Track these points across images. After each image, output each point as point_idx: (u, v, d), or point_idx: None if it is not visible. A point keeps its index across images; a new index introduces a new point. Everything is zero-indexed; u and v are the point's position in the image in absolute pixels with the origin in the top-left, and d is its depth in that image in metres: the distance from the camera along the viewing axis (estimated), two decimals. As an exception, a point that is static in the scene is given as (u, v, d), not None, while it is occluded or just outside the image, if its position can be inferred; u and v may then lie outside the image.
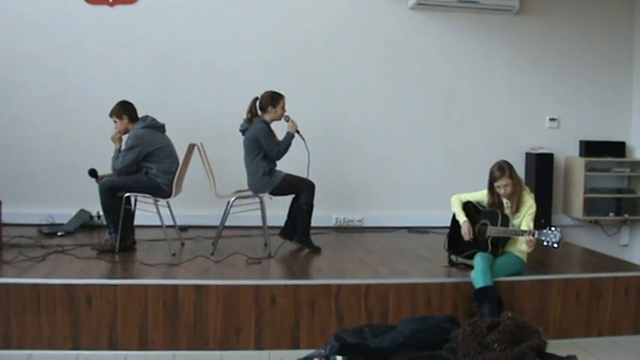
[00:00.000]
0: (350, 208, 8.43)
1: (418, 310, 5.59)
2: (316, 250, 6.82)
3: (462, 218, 6.08)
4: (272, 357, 5.34)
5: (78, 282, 5.33)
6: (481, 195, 6.09)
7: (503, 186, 5.82)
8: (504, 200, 5.94)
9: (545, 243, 5.60)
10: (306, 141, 6.76)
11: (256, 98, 6.83)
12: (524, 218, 5.83)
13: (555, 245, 5.54)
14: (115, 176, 6.54)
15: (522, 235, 5.71)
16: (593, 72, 8.91)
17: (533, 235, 5.63)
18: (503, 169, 5.83)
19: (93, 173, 6.65)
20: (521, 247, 5.80)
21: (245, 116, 6.85)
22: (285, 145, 6.72)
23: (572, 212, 8.75)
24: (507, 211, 5.91)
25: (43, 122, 7.93)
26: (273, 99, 6.77)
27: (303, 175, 6.75)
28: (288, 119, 6.81)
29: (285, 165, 6.84)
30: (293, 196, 6.88)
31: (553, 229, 5.59)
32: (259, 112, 6.82)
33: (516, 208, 5.87)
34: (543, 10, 8.77)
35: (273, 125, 6.85)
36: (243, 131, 6.85)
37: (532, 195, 5.95)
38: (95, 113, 7.31)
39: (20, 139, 7.89)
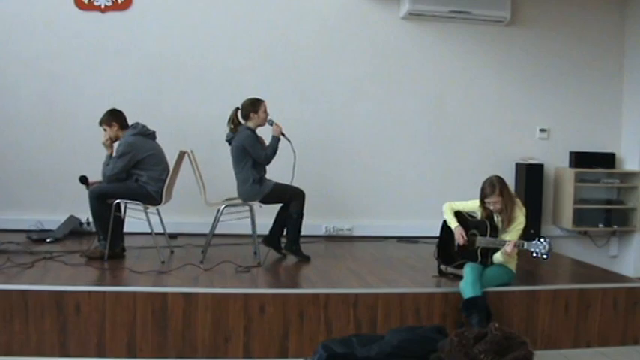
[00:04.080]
0: (339, 217, 8.44)
1: (407, 320, 5.58)
2: (305, 259, 6.82)
3: (453, 224, 6.08)
4: (260, 365, 5.36)
5: (67, 289, 5.31)
6: (473, 205, 6.09)
7: (492, 203, 5.83)
8: (495, 215, 5.94)
9: (534, 254, 5.63)
10: (292, 143, 6.77)
11: (237, 108, 6.85)
12: (510, 233, 5.83)
13: (544, 256, 5.57)
14: (105, 183, 6.54)
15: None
16: (583, 83, 8.96)
17: (522, 246, 5.65)
18: (494, 186, 5.82)
19: (83, 180, 6.63)
20: (498, 255, 5.81)
21: (227, 126, 6.86)
22: (272, 150, 6.72)
23: (561, 223, 8.77)
24: (498, 224, 5.92)
25: (34, 128, 7.92)
26: (253, 105, 6.77)
27: (289, 177, 6.74)
28: (272, 123, 6.82)
29: (274, 172, 6.84)
30: (281, 204, 6.90)
31: (542, 240, 5.62)
32: (242, 122, 6.83)
33: (507, 224, 5.87)
34: (534, 22, 8.81)
35: (259, 132, 6.85)
36: (229, 141, 6.85)
37: (523, 211, 5.93)
38: (86, 120, 7.29)
39: (10, 145, 7.89)
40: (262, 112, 6.79)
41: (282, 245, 6.96)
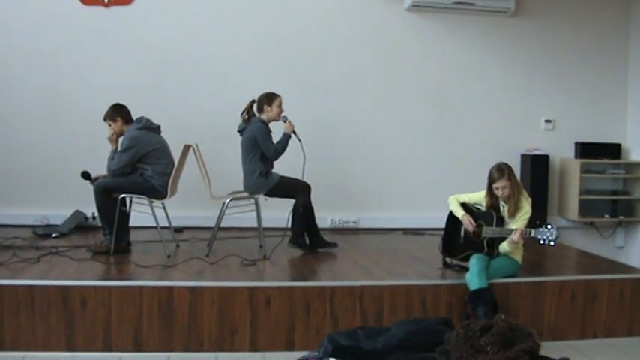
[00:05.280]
0: (345, 209, 8.43)
1: (413, 312, 5.59)
2: (311, 252, 6.82)
3: (460, 213, 6.07)
4: (267, 358, 5.35)
5: (72, 283, 5.33)
6: (478, 197, 6.08)
7: (501, 188, 5.81)
8: (501, 203, 5.93)
9: (541, 241, 5.63)
10: (302, 142, 6.77)
11: (253, 101, 6.85)
12: (516, 222, 5.81)
13: (552, 243, 5.58)
14: (110, 177, 6.54)
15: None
16: (588, 74, 8.93)
17: (529, 234, 5.66)
18: (502, 170, 5.82)
19: (86, 175, 6.64)
20: (505, 245, 5.80)
21: (241, 117, 6.87)
22: (281, 146, 6.72)
23: (567, 214, 8.76)
24: (503, 214, 5.91)
25: (38, 123, 7.92)
26: (268, 98, 6.80)
27: (298, 176, 6.76)
28: (285, 120, 6.83)
29: (281, 167, 6.84)
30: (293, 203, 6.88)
31: (549, 227, 5.64)
32: (256, 114, 6.84)
33: (513, 211, 5.85)
34: (539, 13, 8.78)
35: (271, 127, 6.84)
36: (240, 132, 6.86)
37: (529, 201, 5.92)
38: (90, 114, 7.28)
39: (15, 140, 7.88)
40: (276, 107, 6.79)
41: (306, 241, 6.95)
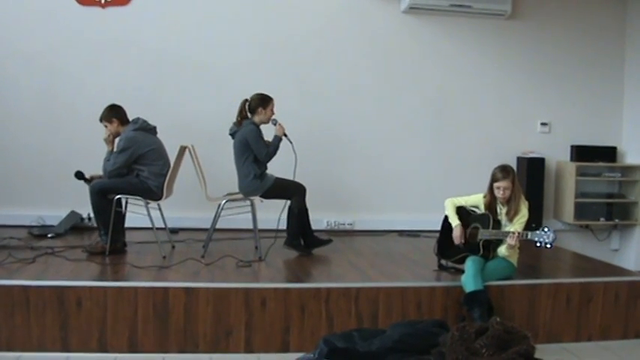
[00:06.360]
0: (341, 211, 8.43)
1: (408, 314, 5.58)
2: (306, 254, 6.82)
3: (454, 222, 6.06)
4: (262, 360, 5.36)
5: (68, 284, 5.31)
6: (475, 199, 6.07)
7: (503, 188, 5.79)
8: (499, 207, 5.93)
9: (538, 244, 5.60)
10: (294, 144, 6.76)
11: (246, 100, 6.84)
12: (514, 225, 5.80)
13: (548, 245, 5.56)
14: (105, 178, 6.53)
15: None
16: (584, 77, 8.94)
17: (526, 237, 5.65)
18: (507, 171, 5.81)
19: (80, 175, 6.63)
20: (503, 249, 5.81)
21: (235, 119, 6.86)
22: (273, 148, 6.72)
23: (562, 217, 8.76)
24: (500, 217, 5.90)
25: (35, 123, 7.90)
26: (263, 100, 6.78)
27: (288, 173, 6.74)
28: (275, 123, 6.82)
29: (274, 168, 6.84)
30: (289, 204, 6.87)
31: (546, 229, 5.60)
32: (249, 115, 6.83)
33: (512, 215, 5.84)
34: (535, 15, 8.79)
35: (262, 129, 6.84)
36: (232, 134, 6.85)
37: (527, 204, 5.91)
38: (86, 114, 7.26)
39: (11, 140, 7.87)
40: (270, 110, 6.79)
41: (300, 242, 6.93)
